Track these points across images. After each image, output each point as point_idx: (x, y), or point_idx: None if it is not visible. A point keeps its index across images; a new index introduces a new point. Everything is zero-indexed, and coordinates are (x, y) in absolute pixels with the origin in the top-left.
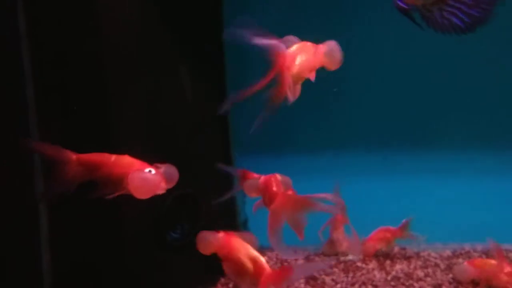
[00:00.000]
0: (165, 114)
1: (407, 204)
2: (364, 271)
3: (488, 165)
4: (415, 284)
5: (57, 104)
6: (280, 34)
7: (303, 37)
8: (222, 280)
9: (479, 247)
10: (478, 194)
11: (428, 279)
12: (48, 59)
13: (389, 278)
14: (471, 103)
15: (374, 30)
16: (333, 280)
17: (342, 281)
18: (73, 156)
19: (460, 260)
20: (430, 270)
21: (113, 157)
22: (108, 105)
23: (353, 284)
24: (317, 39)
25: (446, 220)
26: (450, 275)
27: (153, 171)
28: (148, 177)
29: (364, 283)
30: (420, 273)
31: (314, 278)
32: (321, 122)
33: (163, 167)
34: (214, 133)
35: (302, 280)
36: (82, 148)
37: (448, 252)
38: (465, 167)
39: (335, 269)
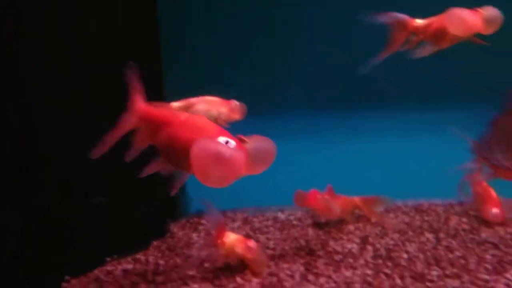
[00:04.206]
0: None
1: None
2: (298, 228)
3: (426, 122)
4: (344, 237)
5: None
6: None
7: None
8: (155, 243)
9: (410, 202)
10: (408, 151)
11: (357, 232)
12: None
13: (321, 232)
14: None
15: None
16: (267, 238)
17: (276, 238)
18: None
19: (391, 215)
20: (361, 224)
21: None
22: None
23: (285, 240)
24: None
25: (378, 178)
26: (379, 228)
27: (232, 143)
28: (222, 152)
29: (296, 239)
30: (351, 227)
31: (248, 237)
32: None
33: (252, 141)
34: None
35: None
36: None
37: (381, 208)
38: (400, 125)
39: (271, 228)
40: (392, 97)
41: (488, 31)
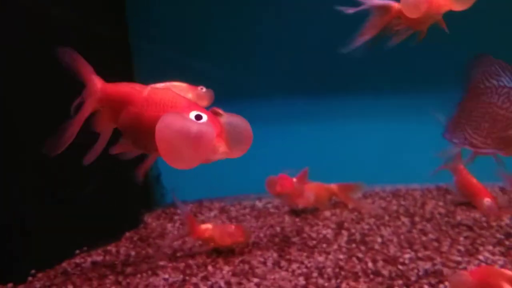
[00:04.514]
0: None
1: (317, 148)
2: (275, 216)
3: (395, 108)
4: (320, 223)
5: None
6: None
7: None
8: (127, 234)
9: (388, 188)
10: (386, 138)
11: (334, 217)
12: None
13: (297, 219)
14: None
15: None
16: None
17: (251, 226)
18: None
19: (369, 200)
20: (338, 210)
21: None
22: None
23: (261, 228)
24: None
25: (356, 164)
26: (356, 213)
27: (204, 117)
28: (187, 127)
29: (272, 226)
30: (328, 214)
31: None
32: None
33: (226, 116)
34: None
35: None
36: None
37: (358, 194)
38: (374, 112)
39: (248, 216)
40: (369, 83)
41: (459, 7)
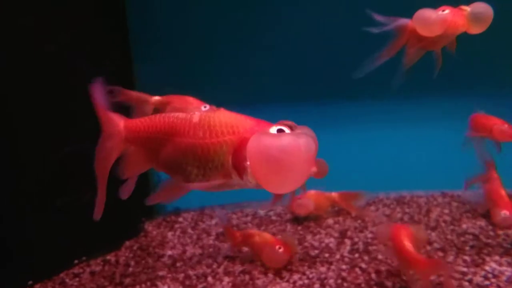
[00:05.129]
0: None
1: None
2: (277, 224)
3: (400, 114)
4: (322, 232)
5: None
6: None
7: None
8: (127, 243)
9: (392, 195)
10: (391, 143)
11: (336, 226)
12: None
13: (299, 227)
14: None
15: None
16: None
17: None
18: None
19: (373, 207)
20: (340, 218)
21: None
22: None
23: None
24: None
25: (360, 169)
26: (359, 222)
27: (287, 131)
28: (283, 144)
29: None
30: (331, 221)
31: (224, 235)
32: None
33: (302, 129)
34: None
35: (212, 237)
36: None
37: (360, 203)
38: (377, 118)
39: (249, 224)
40: (374, 89)
41: (476, 30)
